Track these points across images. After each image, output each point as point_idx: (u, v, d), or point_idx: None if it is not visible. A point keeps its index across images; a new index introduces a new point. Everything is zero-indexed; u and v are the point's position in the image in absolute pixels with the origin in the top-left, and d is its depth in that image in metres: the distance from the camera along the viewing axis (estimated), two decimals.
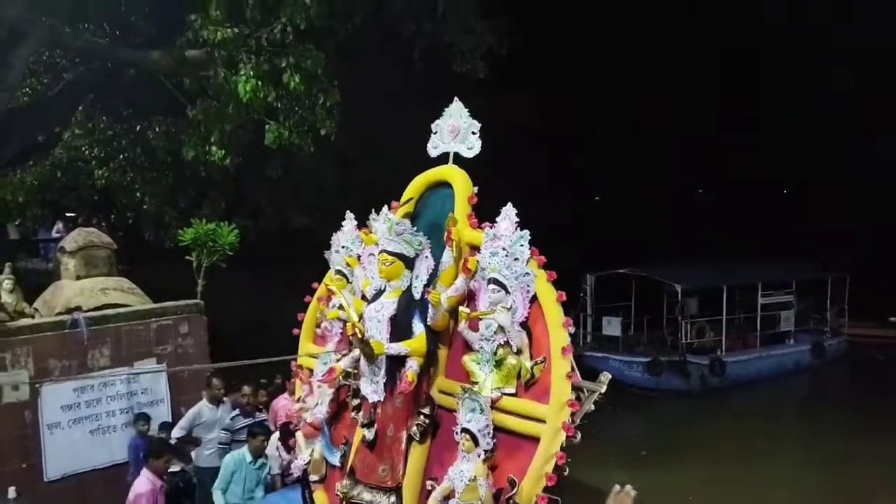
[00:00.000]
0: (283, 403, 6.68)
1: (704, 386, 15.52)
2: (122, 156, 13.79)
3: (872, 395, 14.46)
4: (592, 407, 3.64)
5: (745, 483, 10.11)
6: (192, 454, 7.01)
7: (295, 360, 5.13)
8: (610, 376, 3.69)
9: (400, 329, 3.99)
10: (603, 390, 3.63)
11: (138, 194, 14.39)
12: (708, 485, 10.09)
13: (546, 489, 3.47)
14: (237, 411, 6.84)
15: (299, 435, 4.75)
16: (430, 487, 3.91)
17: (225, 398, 7.29)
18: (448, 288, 3.95)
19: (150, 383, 7.83)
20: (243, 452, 5.72)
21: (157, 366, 7.88)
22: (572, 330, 3.66)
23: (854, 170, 23.08)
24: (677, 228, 21.07)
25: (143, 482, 5.19)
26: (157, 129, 13.51)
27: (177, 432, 6.84)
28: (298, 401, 4.88)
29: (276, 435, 6.09)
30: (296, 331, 5.22)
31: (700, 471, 10.78)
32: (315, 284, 5.11)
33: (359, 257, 4.64)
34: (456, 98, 4.42)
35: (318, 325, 5.05)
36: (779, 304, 17.50)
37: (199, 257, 9.12)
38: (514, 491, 3.51)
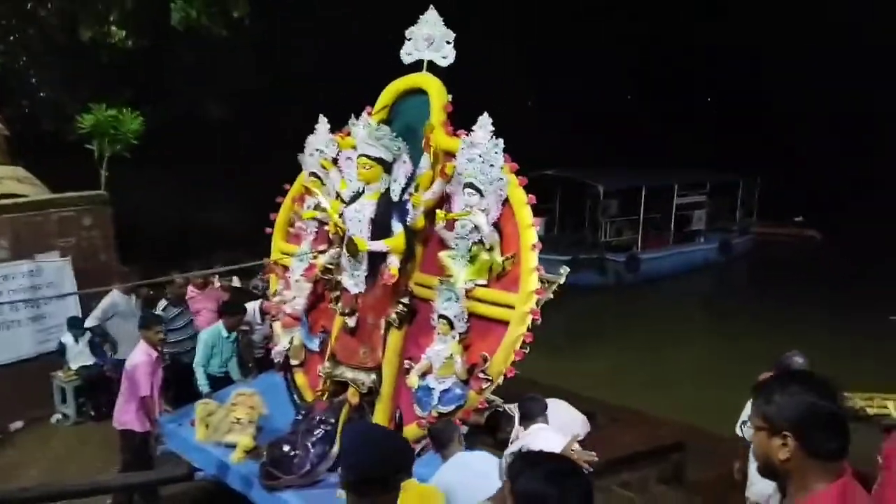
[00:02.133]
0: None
1: (620, 282, 17.08)
2: (11, 37, 12.99)
3: (772, 289, 16.51)
4: (551, 295, 4.46)
5: (651, 367, 11.64)
6: (106, 347, 7.44)
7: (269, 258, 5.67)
8: (568, 269, 4.49)
9: (380, 228, 4.56)
10: (562, 281, 4.44)
11: (33, 80, 13.73)
12: (617, 370, 11.56)
13: (513, 363, 4.31)
14: (166, 302, 7.10)
15: (277, 325, 5.39)
16: (408, 366, 4.66)
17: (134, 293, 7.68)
18: (426, 191, 4.57)
19: (55, 276, 7.89)
20: (219, 328, 6.27)
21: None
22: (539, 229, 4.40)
23: (769, 85, 24.87)
24: (603, 133, 22.25)
25: (140, 353, 5.55)
26: (50, 7, 12.80)
27: (90, 322, 7.21)
28: (275, 294, 5.47)
29: (256, 304, 6.77)
30: (269, 230, 5.72)
31: (610, 358, 12.27)
32: (287, 185, 5.59)
33: (334, 160, 5.13)
34: (431, 6, 4.84)
35: (291, 225, 5.57)
36: (693, 204, 19.15)
37: (101, 146, 9.02)
38: (486, 365, 4.32)
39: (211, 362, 6.10)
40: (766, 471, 1.94)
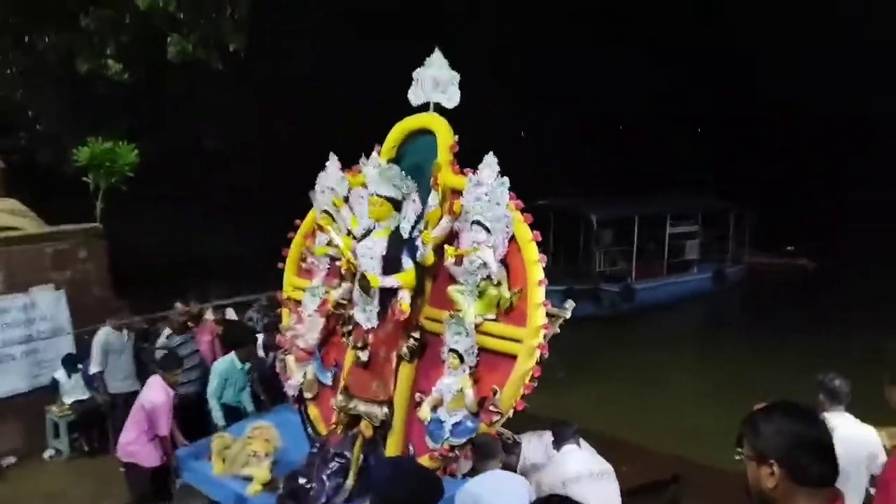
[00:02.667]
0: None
1: (615, 311, 17.33)
2: (9, 69, 13.25)
3: (766, 318, 16.78)
4: (558, 329, 4.67)
5: (647, 397, 11.77)
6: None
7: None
8: (574, 304, 4.71)
9: (390, 264, 4.77)
10: (568, 316, 4.66)
11: (30, 113, 13.94)
12: (612, 400, 11.68)
13: (522, 396, 4.50)
14: (169, 330, 7.20)
15: (290, 359, 5.56)
16: (418, 399, 4.84)
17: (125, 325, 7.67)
18: (434, 228, 4.80)
19: (50, 310, 7.93)
20: (232, 359, 6.43)
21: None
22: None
23: (760, 111, 25.52)
24: (595, 161, 22.73)
25: (159, 392, 5.69)
26: (47, 40, 13.05)
27: (94, 367, 7.17)
28: (287, 328, 5.65)
29: (261, 337, 6.92)
30: (280, 265, 5.92)
31: (606, 388, 12.40)
32: (298, 222, 5.81)
33: (345, 198, 5.36)
34: (437, 49, 5.12)
35: (303, 260, 5.78)
36: (685, 234, 19.50)
37: (96, 179, 9.08)
38: (496, 398, 4.51)
39: (224, 393, 6.25)
40: (759, 500, 2.00)
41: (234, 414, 6.33)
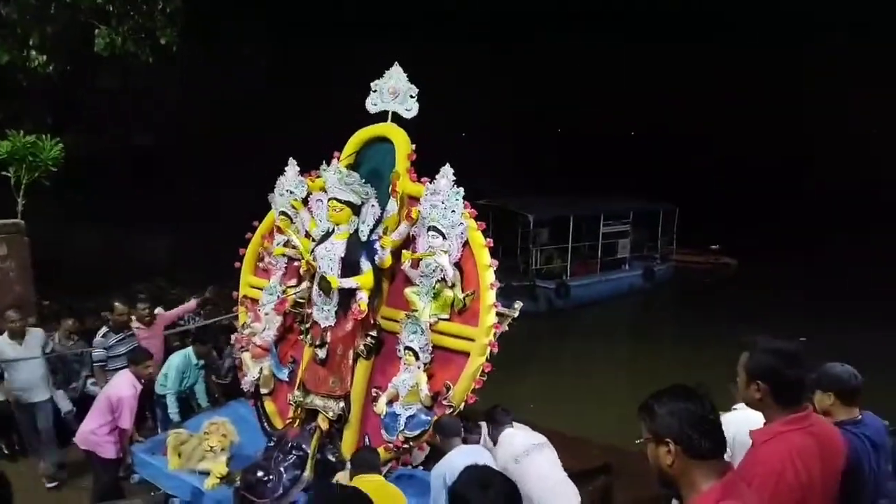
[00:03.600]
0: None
1: (551, 308, 18.06)
2: None
3: (691, 314, 17.82)
4: (507, 328, 5.09)
5: (580, 390, 12.40)
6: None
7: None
8: (522, 304, 5.14)
9: (349, 266, 5.04)
10: (516, 315, 5.08)
11: None
12: (547, 393, 12.24)
13: (473, 390, 4.90)
14: (106, 329, 7.01)
15: (246, 355, 5.78)
16: (375, 394, 5.16)
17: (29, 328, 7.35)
18: (393, 233, 5.14)
19: None
20: (189, 353, 6.56)
21: None
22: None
23: (687, 119, 26.96)
24: (530, 163, 23.51)
25: (127, 385, 5.73)
26: None
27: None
28: (244, 326, 5.88)
29: None
30: (237, 263, 6.14)
31: (541, 381, 13.00)
32: (255, 223, 6.04)
33: (304, 200, 5.64)
34: (396, 63, 5.45)
35: (260, 260, 6.01)
36: (617, 233, 20.42)
37: (17, 173, 8.82)
38: (449, 393, 4.89)
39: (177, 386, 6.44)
40: (662, 480, 2.18)
41: (182, 407, 6.52)
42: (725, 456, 2.17)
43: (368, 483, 4.14)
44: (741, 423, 3.53)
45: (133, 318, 7.23)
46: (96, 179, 15.33)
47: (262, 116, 17.88)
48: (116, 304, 7.12)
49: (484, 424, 5.15)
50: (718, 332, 14.81)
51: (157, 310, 8.12)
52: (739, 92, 25.10)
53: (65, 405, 7.14)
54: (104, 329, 7.07)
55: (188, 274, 7.46)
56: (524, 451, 4.78)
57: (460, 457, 4.23)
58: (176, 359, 6.54)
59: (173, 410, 6.40)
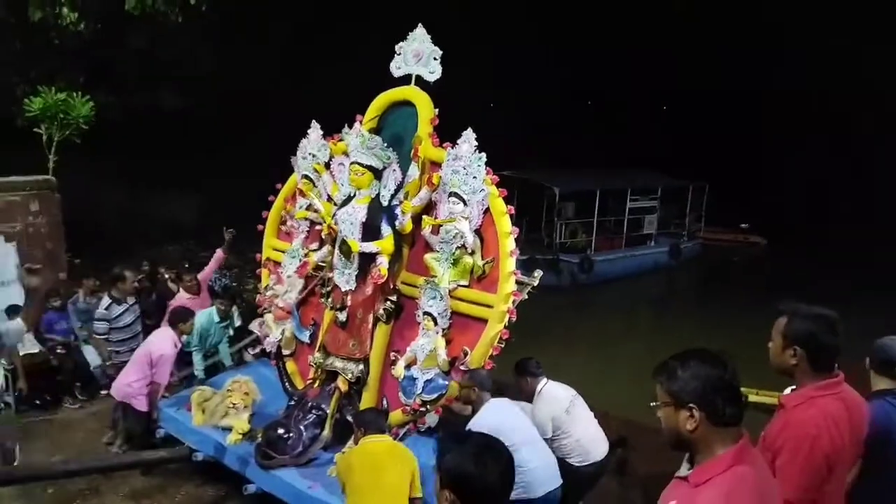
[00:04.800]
0: (182, 299, 7.26)
1: (574, 282, 18.00)
2: None
3: (717, 292, 17.66)
4: (526, 296, 5.12)
5: (599, 364, 12.43)
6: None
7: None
8: (541, 273, 5.16)
9: (370, 231, 5.09)
10: (535, 283, 5.10)
11: None
12: (566, 367, 12.28)
13: (490, 357, 4.94)
14: (110, 300, 7.05)
15: (269, 317, 5.90)
16: (393, 358, 5.24)
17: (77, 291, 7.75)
18: (414, 198, 5.17)
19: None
20: (212, 312, 6.73)
21: None
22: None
23: (725, 93, 26.47)
24: (562, 135, 23.29)
25: (168, 344, 5.91)
26: None
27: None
28: (266, 288, 5.99)
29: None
30: (260, 227, 6.23)
31: (561, 355, 13.00)
32: (279, 185, 6.11)
33: (326, 164, 5.68)
34: (420, 24, 5.43)
35: (282, 223, 6.09)
36: (644, 208, 20.21)
37: (49, 130, 8.96)
38: (466, 358, 4.94)
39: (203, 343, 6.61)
40: (676, 443, 2.13)
41: (209, 364, 6.71)
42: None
43: (378, 444, 4.21)
44: None
45: (180, 288, 7.40)
46: (127, 140, 15.49)
47: (295, 75, 17.84)
48: (126, 273, 7.20)
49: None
50: (743, 311, 14.76)
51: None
52: (781, 66, 24.44)
53: (93, 359, 7.37)
54: (107, 300, 7.04)
55: (217, 236, 7.55)
56: (570, 402, 4.98)
57: (494, 413, 4.40)
58: (199, 318, 6.68)
59: (199, 368, 6.57)
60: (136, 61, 15.41)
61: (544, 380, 5.10)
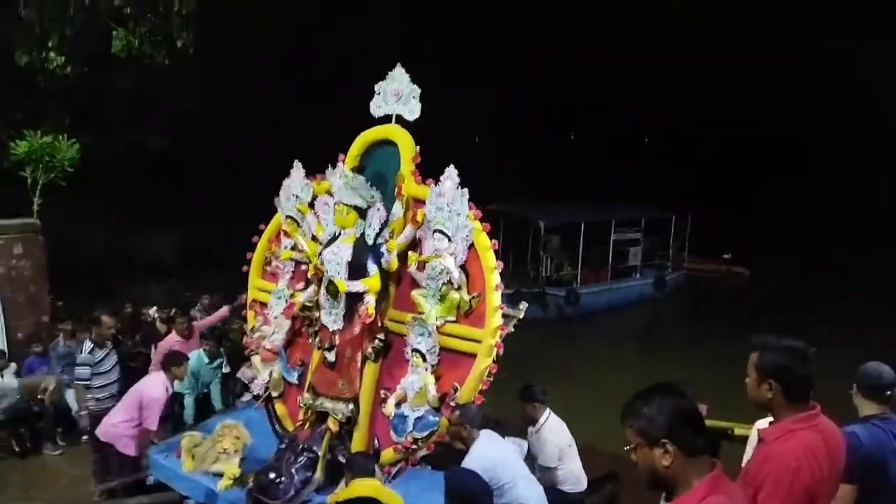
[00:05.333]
0: (171, 342, 7.31)
1: (560, 315, 18.07)
2: None
3: (702, 323, 17.74)
4: (512, 329, 5.15)
5: (588, 398, 12.39)
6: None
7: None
8: (527, 305, 5.21)
9: (356, 270, 5.13)
10: (521, 316, 5.14)
11: None
12: (554, 401, 12.26)
13: (480, 391, 4.95)
14: (92, 345, 6.86)
15: (256, 359, 5.91)
16: (383, 396, 5.24)
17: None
18: (399, 236, 5.22)
19: None
20: (201, 354, 6.75)
21: None
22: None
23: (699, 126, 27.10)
24: (546, 169, 23.61)
25: (160, 388, 5.86)
26: None
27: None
28: (253, 330, 5.99)
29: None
30: (245, 268, 6.24)
31: (548, 389, 12.99)
32: (262, 226, 6.15)
33: (310, 204, 5.73)
34: (399, 64, 5.55)
35: (267, 263, 6.12)
36: (629, 240, 20.46)
37: (34, 173, 8.98)
38: (456, 394, 4.95)
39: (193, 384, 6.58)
40: (653, 483, 2.13)
41: (201, 408, 6.66)
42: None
43: (366, 487, 4.18)
44: None
45: (173, 330, 7.40)
46: (112, 181, 15.52)
47: (277, 116, 18.02)
48: (104, 317, 7.00)
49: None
50: (726, 342, 14.83)
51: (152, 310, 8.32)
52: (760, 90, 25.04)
53: (75, 404, 7.28)
54: (89, 344, 6.88)
55: (202, 276, 7.57)
56: (570, 438, 5.26)
57: (489, 449, 4.47)
58: (192, 360, 6.66)
59: (189, 412, 6.52)
60: (122, 102, 15.55)
61: (548, 409, 5.17)
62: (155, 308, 9.21)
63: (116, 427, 5.85)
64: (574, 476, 5.16)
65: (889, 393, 3.63)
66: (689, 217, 21.76)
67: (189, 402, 6.65)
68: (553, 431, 5.14)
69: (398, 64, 5.56)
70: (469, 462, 4.32)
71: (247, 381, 6.30)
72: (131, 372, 7.06)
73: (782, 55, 23.93)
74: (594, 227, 19.52)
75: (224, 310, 7.62)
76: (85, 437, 7.04)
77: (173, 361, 6.10)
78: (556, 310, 18.09)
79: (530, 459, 5.28)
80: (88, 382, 6.76)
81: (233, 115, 17.74)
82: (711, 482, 2.03)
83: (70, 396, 7.40)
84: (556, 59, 24.33)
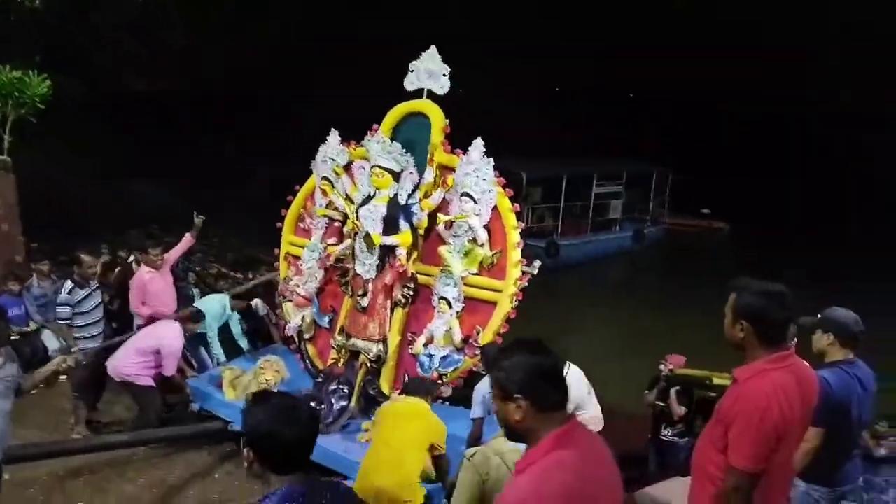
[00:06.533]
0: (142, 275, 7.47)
1: (541, 266, 19.23)
2: None
3: (679, 277, 19.02)
4: (526, 284, 6.27)
5: (565, 346, 13.53)
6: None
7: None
8: (540, 263, 6.34)
9: (389, 226, 6.17)
10: (535, 272, 6.27)
11: None
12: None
13: (499, 334, 6.07)
14: (72, 284, 7.00)
15: (289, 305, 6.96)
16: (410, 338, 6.35)
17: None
18: (430, 197, 6.26)
19: None
20: (226, 304, 7.65)
21: None
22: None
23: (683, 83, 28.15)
24: (531, 122, 24.54)
25: (180, 339, 6.67)
26: None
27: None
28: (286, 279, 7.04)
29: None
30: (279, 224, 7.26)
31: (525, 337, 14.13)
32: (297, 187, 7.14)
33: (346, 166, 6.72)
34: (433, 45, 6.48)
35: (300, 220, 7.14)
36: (609, 193, 21.65)
37: (3, 108, 9.09)
38: (478, 336, 6.06)
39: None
40: (511, 434, 2.30)
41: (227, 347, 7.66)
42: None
43: (402, 405, 5.16)
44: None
45: (142, 263, 7.57)
46: (91, 122, 15.93)
47: (275, 67, 18.23)
48: (83, 256, 7.17)
49: None
50: (705, 294, 16.06)
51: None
52: (742, 47, 26.11)
53: (52, 343, 7.65)
54: (69, 284, 7.02)
55: (182, 223, 8.16)
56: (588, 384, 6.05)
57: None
58: (212, 304, 7.59)
59: (218, 351, 7.52)
60: (97, 38, 15.79)
61: (567, 363, 6.25)
62: (127, 251, 9.61)
63: (132, 366, 6.52)
64: (597, 421, 5.83)
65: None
66: (669, 174, 23.00)
67: (216, 342, 7.55)
68: (574, 381, 6.16)
69: (432, 46, 6.44)
70: (479, 384, 5.37)
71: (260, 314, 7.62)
72: (112, 315, 7.55)
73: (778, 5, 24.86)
74: (576, 180, 20.56)
75: (187, 237, 7.85)
76: (63, 377, 6.78)
77: (194, 316, 6.98)
78: (532, 259, 19.18)
79: None
80: (70, 321, 6.98)
81: (223, 59, 18.06)
82: (558, 437, 2.18)
83: (47, 336, 7.75)
84: (540, 9, 24.99)
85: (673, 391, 6.53)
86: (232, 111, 18.49)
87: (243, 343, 7.81)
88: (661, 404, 6.61)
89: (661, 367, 6.72)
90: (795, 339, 4.78)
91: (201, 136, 18.05)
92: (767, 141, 27.86)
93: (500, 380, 2.24)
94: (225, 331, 7.78)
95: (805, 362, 3.04)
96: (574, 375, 6.20)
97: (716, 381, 6.68)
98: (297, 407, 2.32)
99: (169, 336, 6.66)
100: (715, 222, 25.31)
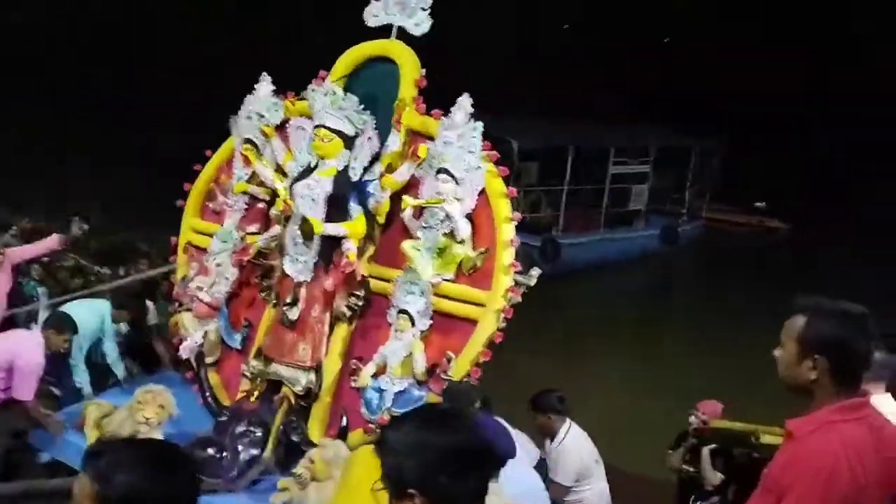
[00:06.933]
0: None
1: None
2: None
3: (722, 292, 19.01)
4: (519, 299, 6.30)
5: (566, 382, 13.49)
6: None
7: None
8: (539, 271, 6.37)
9: (335, 209, 6.15)
10: (532, 283, 6.30)
11: None
12: (526, 385, 13.28)
13: (478, 364, 6.08)
14: None
15: (187, 315, 6.89)
16: (354, 366, 6.34)
17: None
18: (395, 172, 6.24)
19: None
20: (104, 314, 7.60)
21: None
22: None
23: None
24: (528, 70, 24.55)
25: (38, 352, 6.59)
26: None
27: None
28: (184, 279, 6.97)
29: None
30: (180, 202, 7.17)
31: (517, 370, 14.03)
32: (209, 152, 7.06)
33: (279, 126, 6.67)
34: None
35: (210, 199, 7.06)
36: (632, 175, 21.59)
37: None
38: (449, 364, 6.04)
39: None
40: None
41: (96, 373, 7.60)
42: None
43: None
44: None
45: None
46: None
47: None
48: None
49: None
50: (755, 317, 16.20)
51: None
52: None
53: None
54: None
55: (48, 203, 8.26)
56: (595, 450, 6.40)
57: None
58: (86, 314, 7.51)
59: (82, 378, 7.45)
60: None
61: (568, 420, 6.38)
62: None
63: None
64: (605, 498, 6.30)
65: None
66: (715, 151, 22.87)
67: (81, 367, 7.46)
68: (577, 445, 6.33)
69: None
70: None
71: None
72: None
73: None
74: (586, 154, 20.51)
75: (52, 239, 8.14)
76: None
77: (57, 326, 6.98)
78: (527, 265, 19.14)
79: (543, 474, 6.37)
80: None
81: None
82: None
83: None
84: None
85: (706, 451, 6.56)
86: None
87: (119, 370, 7.73)
88: (691, 469, 6.67)
89: (692, 417, 6.75)
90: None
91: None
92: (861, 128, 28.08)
93: (387, 469, 2.19)
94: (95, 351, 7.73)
95: (881, 413, 3.04)
96: (575, 440, 6.38)
97: (764, 438, 6.52)
98: (171, 458, 2.24)
99: (25, 346, 6.64)
100: (770, 221, 25.49)
